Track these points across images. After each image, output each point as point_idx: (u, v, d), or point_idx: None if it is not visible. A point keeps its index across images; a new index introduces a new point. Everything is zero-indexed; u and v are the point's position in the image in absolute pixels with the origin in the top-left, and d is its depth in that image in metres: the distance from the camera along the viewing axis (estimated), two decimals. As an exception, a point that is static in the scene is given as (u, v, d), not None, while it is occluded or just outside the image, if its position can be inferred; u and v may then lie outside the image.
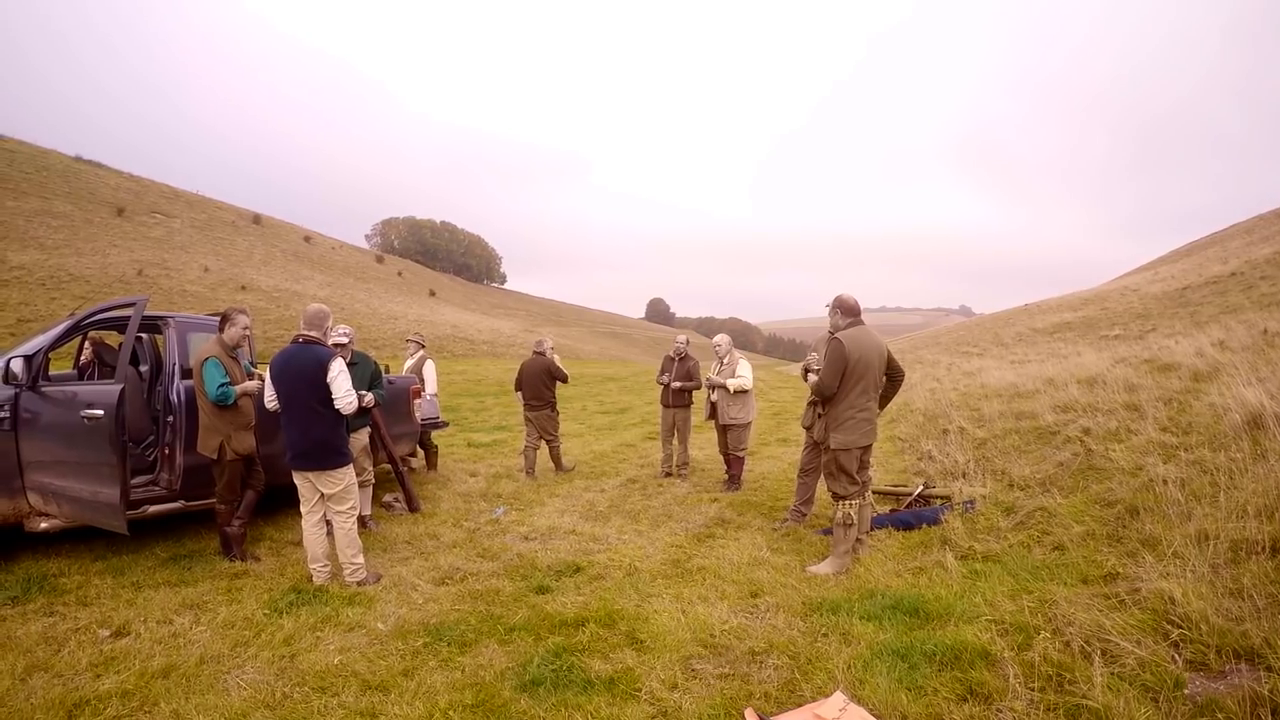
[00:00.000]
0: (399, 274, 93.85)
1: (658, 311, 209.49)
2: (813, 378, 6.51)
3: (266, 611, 4.90)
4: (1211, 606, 3.80)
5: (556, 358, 10.22)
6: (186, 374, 6.24)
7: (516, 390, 10.23)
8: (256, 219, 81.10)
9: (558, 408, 10.28)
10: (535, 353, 10.06)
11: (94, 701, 3.65)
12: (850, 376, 5.57)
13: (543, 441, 10.06)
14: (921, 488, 7.48)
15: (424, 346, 10.36)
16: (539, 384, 9.90)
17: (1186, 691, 3.27)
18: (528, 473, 9.85)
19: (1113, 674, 3.47)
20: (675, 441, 9.80)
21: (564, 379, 10.14)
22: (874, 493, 6.99)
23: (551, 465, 10.29)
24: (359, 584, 5.37)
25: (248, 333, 6.10)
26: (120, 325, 6.82)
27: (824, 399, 5.80)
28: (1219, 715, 3.04)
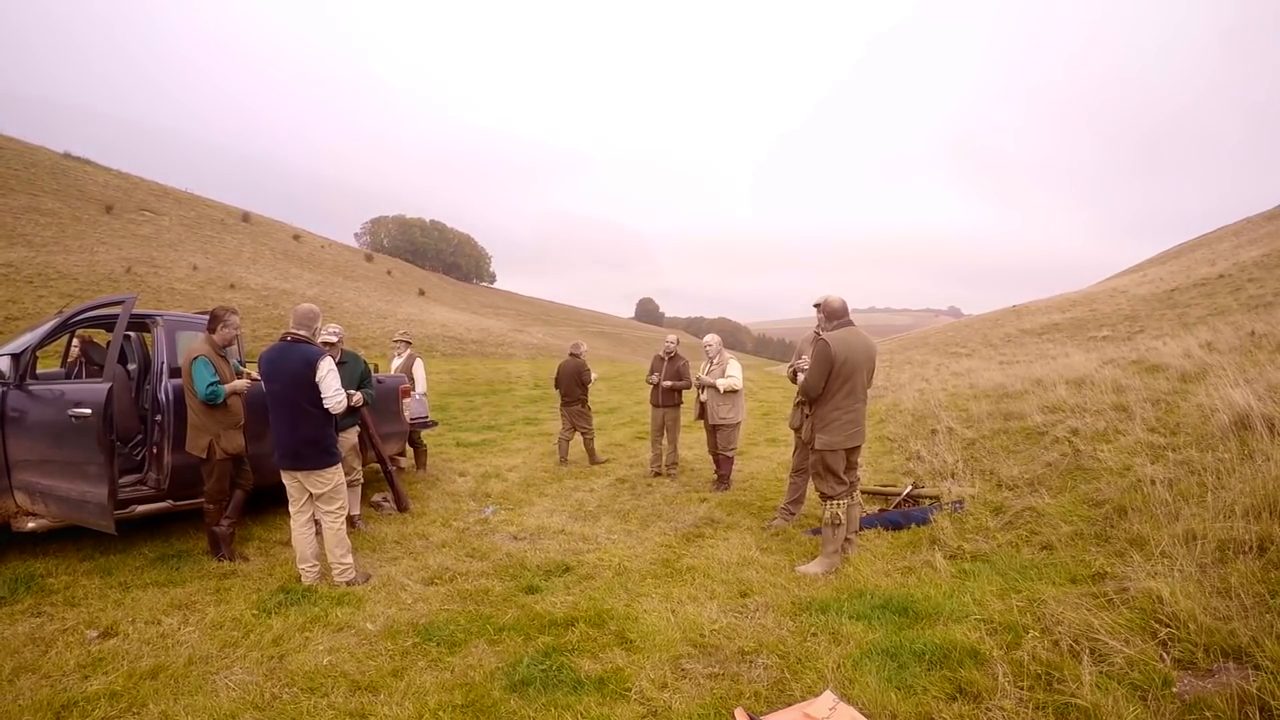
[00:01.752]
0: (388, 273, 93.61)
1: (647, 311, 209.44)
2: (802, 378, 6.54)
3: (255, 612, 4.88)
4: (1199, 605, 3.82)
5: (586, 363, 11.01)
6: (175, 373, 6.21)
7: (555, 387, 11.07)
8: (245, 217, 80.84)
9: (589, 404, 11.09)
10: (571, 354, 10.89)
11: (82, 703, 3.63)
12: (836, 378, 5.60)
13: (576, 433, 10.96)
14: (910, 488, 7.51)
15: (411, 345, 10.42)
16: (572, 383, 10.76)
17: (1175, 690, 3.29)
18: (561, 460, 10.79)
19: (1101, 673, 3.49)
20: (665, 441, 9.82)
21: (586, 381, 10.90)
22: (863, 493, 7.01)
23: (573, 458, 10.85)
24: (348, 584, 5.35)
25: (238, 332, 6.09)
26: (108, 324, 6.79)
27: (810, 400, 5.81)
28: (1207, 713, 3.06)
